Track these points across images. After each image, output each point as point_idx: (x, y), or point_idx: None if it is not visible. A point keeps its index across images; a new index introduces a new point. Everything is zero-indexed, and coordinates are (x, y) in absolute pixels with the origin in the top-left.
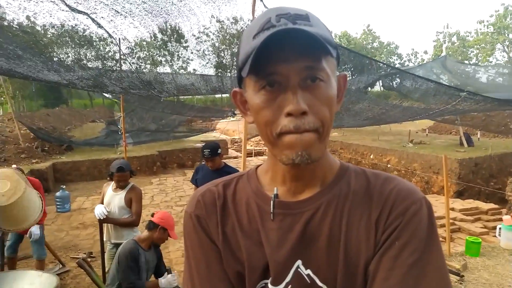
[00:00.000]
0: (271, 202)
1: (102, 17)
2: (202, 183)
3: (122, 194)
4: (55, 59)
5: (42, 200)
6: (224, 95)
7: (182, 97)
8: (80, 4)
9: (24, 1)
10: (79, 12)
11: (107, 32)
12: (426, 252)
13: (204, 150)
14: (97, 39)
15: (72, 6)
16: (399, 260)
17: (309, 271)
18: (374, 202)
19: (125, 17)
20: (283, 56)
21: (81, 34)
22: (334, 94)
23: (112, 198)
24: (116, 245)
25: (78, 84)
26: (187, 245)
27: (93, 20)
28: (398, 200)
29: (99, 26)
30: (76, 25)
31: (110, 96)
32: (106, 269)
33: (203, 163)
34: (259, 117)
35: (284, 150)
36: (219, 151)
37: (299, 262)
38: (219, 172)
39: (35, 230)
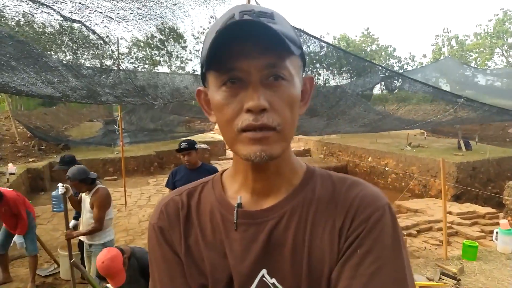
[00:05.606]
0: (235, 212)
1: (96, 24)
2: (183, 185)
3: (88, 197)
4: (51, 59)
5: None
6: None
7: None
8: (75, 13)
9: (18, 14)
10: (74, 21)
11: (102, 39)
12: (388, 260)
13: (181, 143)
14: (95, 40)
15: (67, 16)
16: (360, 268)
17: (274, 280)
18: (338, 209)
19: (119, 22)
20: (245, 52)
21: (77, 32)
22: (297, 94)
23: (84, 201)
24: (90, 245)
25: (72, 96)
26: (151, 258)
27: (87, 27)
28: (361, 206)
29: (94, 33)
30: (68, 24)
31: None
32: (86, 268)
33: (179, 166)
34: (220, 115)
35: (244, 146)
36: (197, 146)
37: (264, 271)
38: (198, 171)
39: (17, 239)
